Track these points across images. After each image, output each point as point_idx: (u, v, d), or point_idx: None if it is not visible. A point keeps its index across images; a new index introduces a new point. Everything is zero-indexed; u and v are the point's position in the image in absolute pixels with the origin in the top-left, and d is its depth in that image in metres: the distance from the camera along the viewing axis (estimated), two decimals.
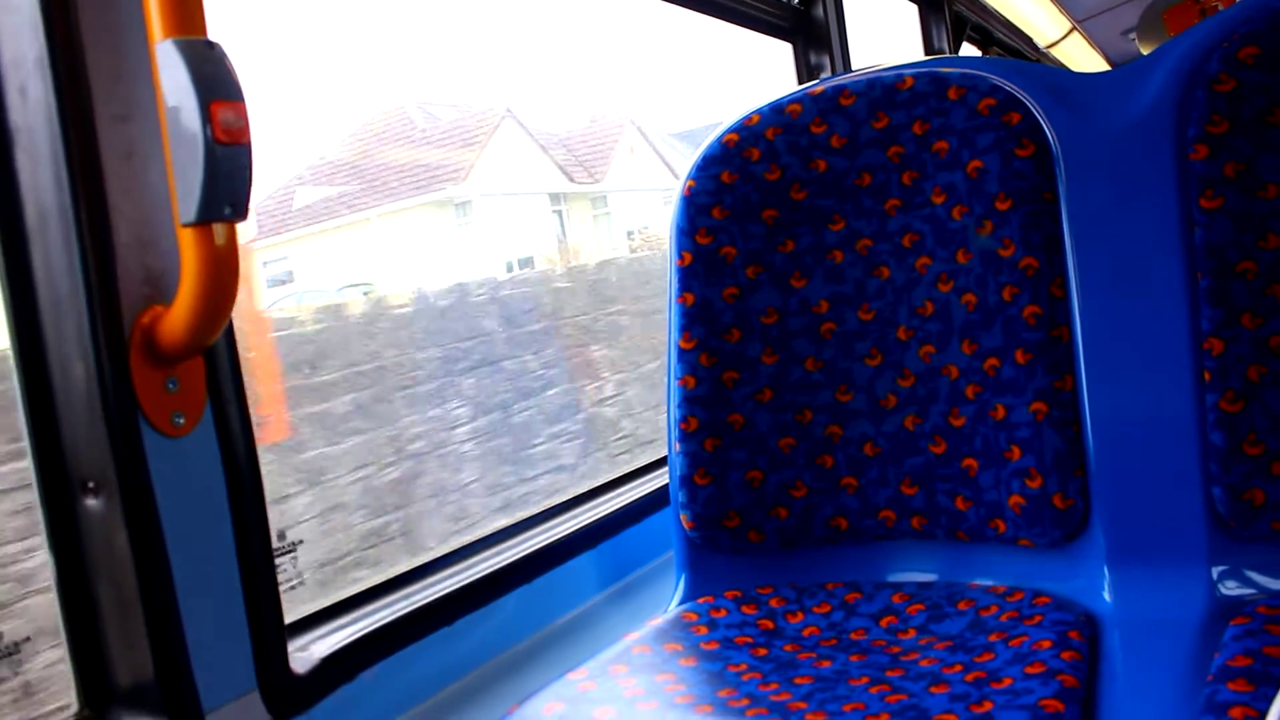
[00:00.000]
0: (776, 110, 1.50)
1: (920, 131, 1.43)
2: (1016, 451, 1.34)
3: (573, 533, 1.67)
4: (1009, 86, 1.40)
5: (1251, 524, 1.24)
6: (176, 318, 1.01)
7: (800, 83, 2.88)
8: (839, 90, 1.48)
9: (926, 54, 4.15)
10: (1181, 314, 1.29)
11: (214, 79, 0.93)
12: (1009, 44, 5.41)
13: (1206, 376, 1.26)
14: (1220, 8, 5.03)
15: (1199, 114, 1.29)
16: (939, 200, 1.42)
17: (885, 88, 1.46)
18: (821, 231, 1.49)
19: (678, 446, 1.47)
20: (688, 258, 1.48)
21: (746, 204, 1.48)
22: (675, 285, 1.49)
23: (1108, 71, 1.45)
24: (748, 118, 1.51)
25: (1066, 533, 1.33)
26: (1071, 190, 1.36)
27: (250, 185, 0.96)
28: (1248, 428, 1.24)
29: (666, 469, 1.52)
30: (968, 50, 4.87)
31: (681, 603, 1.45)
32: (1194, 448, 1.28)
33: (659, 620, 1.37)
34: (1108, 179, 1.35)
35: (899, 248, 1.45)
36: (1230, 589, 1.25)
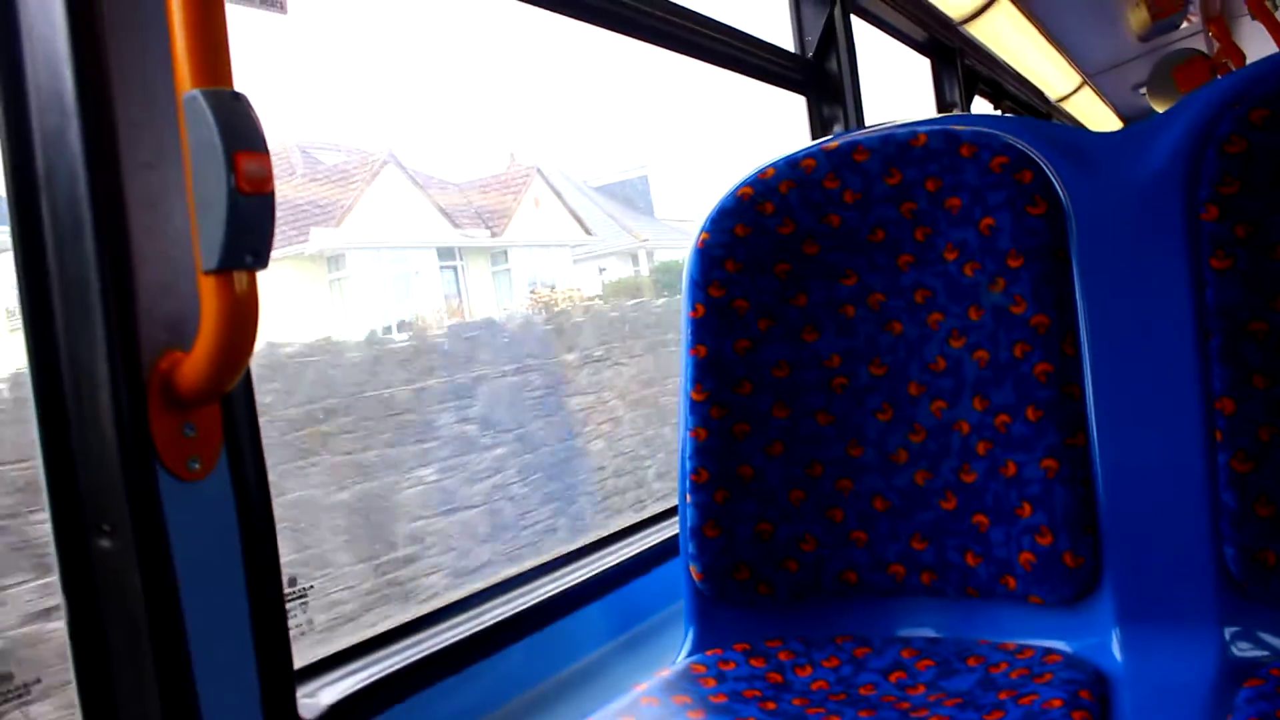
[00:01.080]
0: (791, 165, 1.51)
1: (933, 188, 1.44)
2: (1028, 508, 1.34)
3: (581, 582, 1.67)
4: (1021, 145, 1.41)
5: (1264, 585, 1.24)
6: (196, 363, 1.02)
7: (813, 136, 2.91)
8: (853, 146, 1.50)
9: (939, 107, 4.19)
10: (1193, 373, 1.30)
11: (239, 130, 0.95)
12: (1021, 99, 5.46)
13: (1218, 436, 1.27)
14: (1231, 66, 5.08)
15: (1210, 175, 1.30)
16: (951, 257, 1.43)
17: (899, 144, 1.47)
18: (834, 286, 1.50)
19: (689, 498, 1.47)
20: (700, 310, 1.49)
21: (759, 257, 1.49)
22: (688, 337, 1.50)
23: (1119, 130, 1.46)
24: (762, 171, 1.52)
25: (1077, 591, 1.33)
26: (1083, 248, 1.37)
27: (272, 234, 0.98)
28: (1259, 488, 1.24)
29: (676, 519, 1.52)
30: (979, 104, 4.91)
31: (690, 655, 1.44)
32: (1205, 507, 1.28)
33: (667, 672, 1.36)
34: (1119, 237, 1.36)
35: (911, 303, 1.46)
36: (1243, 650, 1.25)
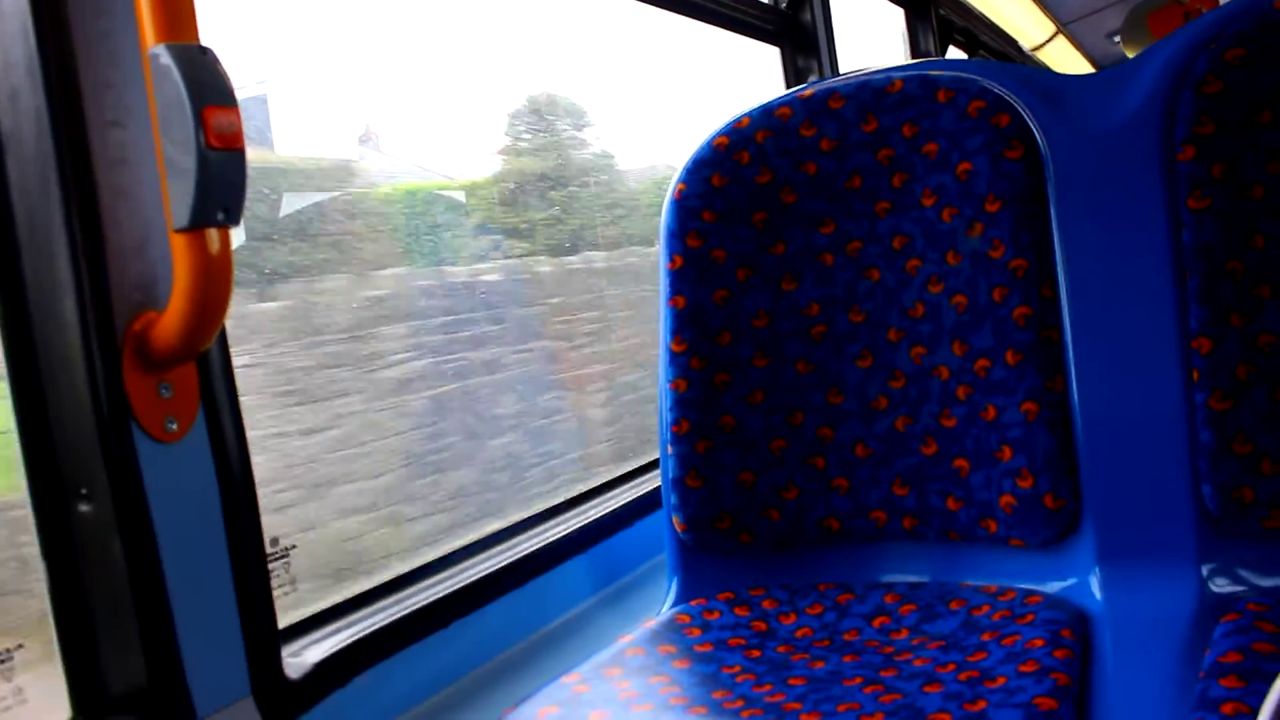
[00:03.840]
0: (766, 113, 1.50)
1: (910, 134, 1.44)
2: (1008, 452, 1.35)
3: (564, 536, 1.67)
4: (998, 89, 1.40)
5: (1241, 521, 1.25)
6: (169, 323, 1.00)
7: (788, 87, 2.89)
8: (829, 93, 1.49)
9: (913, 58, 4.17)
10: (1170, 314, 1.30)
11: (207, 84, 0.93)
12: (995, 47, 5.44)
13: (1195, 375, 1.27)
14: (1204, 10, 5.07)
15: (1186, 115, 1.30)
16: (929, 202, 1.43)
17: (874, 91, 1.46)
18: (812, 234, 1.49)
19: (670, 449, 1.47)
20: (678, 261, 1.49)
21: (737, 207, 1.49)
22: (666, 288, 1.49)
23: (1096, 73, 1.45)
24: (738, 120, 1.51)
25: (1058, 532, 1.34)
26: (1060, 192, 1.37)
27: (244, 191, 0.97)
28: (1236, 426, 1.25)
29: (658, 472, 1.52)
30: (954, 54, 4.89)
31: (674, 605, 1.45)
32: (1184, 446, 1.28)
33: (652, 623, 1.37)
34: (1096, 180, 1.36)
35: (889, 250, 1.46)
36: (1220, 586, 1.26)
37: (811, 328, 1.48)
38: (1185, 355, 1.28)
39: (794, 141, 1.48)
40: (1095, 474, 1.33)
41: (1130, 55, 5.49)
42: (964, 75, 1.43)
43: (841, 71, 2.95)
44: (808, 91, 1.50)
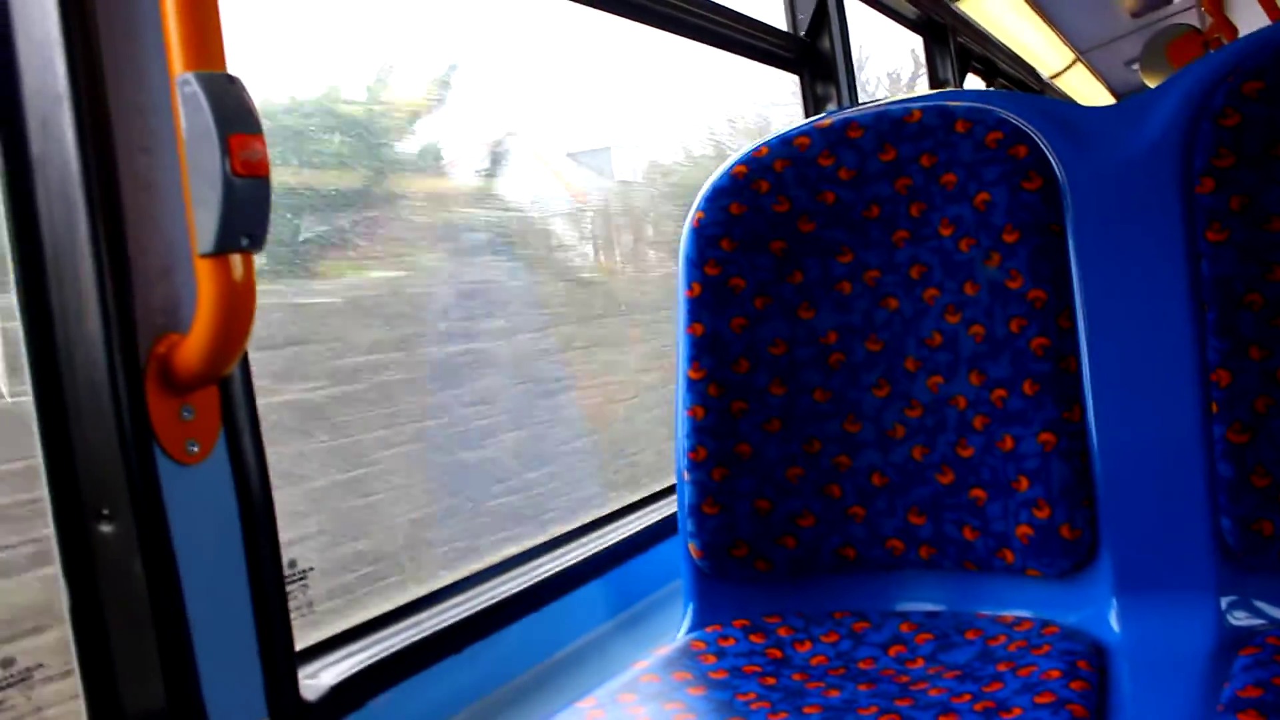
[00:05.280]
0: (785, 142, 1.51)
1: (928, 164, 1.44)
2: (1024, 482, 1.35)
3: (580, 561, 1.67)
4: (1016, 120, 1.41)
5: (1260, 554, 1.25)
6: (193, 347, 1.01)
7: (807, 114, 2.90)
8: (847, 123, 1.49)
9: (932, 85, 4.18)
10: (1188, 345, 1.30)
11: (233, 112, 0.95)
12: (1013, 75, 5.45)
13: (1214, 408, 1.27)
14: (1224, 41, 5.07)
15: (1205, 147, 1.30)
16: (947, 232, 1.44)
17: (893, 121, 1.47)
18: (830, 263, 1.50)
19: (686, 476, 1.47)
20: (697, 288, 1.49)
21: (755, 235, 1.49)
22: (684, 316, 1.50)
23: (1114, 105, 1.46)
24: (756, 149, 1.52)
25: (1074, 563, 1.33)
26: (1079, 223, 1.37)
27: (267, 217, 0.98)
28: (1255, 459, 1.25)
29: (674, 497, 1.52)
30: (972, 82, 4.90)
31: (689, 631, 1.45)
32: (1202, 479, 1.28)
33: (667, 649, 1.37)
34: (1114, 212, 1.36)
35: (907, 279, 1.46)
36: (1239, 619, 1.26)
37: (829, 356, 1.48)
38: (1204, 387, 1.28)
39: (812, 171, 1.49)
40: (1112, 505, 1.33)
41: (1149, 84, 5.51)
42: (982, 106, 1.44)
43: (860, 99, 2.97)
44: (826, 121, 1.51)
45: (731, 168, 1.52)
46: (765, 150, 1.52)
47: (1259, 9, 4.46)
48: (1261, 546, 1.24)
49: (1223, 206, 1.29)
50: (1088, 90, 6.84)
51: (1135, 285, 1.34)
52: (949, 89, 1.48)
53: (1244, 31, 5.15)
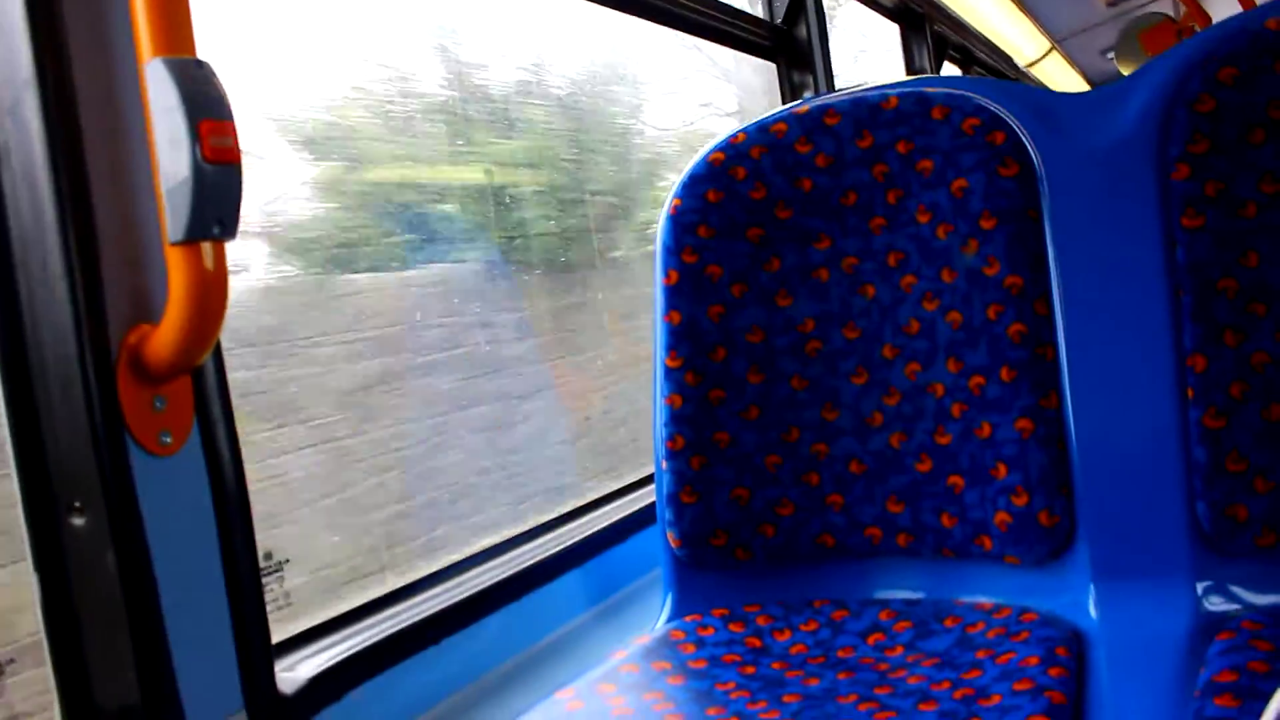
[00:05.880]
0: (762, 129, 1.51)
1: (905, 151, 1.44)
2: (1002, 469, 1.35)
3: (559, 551, 1.67)
4: (993, 106, 1.41)
5: (1235, 539, 1.25)
6: (164, 336, 1.00)
7: (784, 102, 2.90)
8: (824, 110, 1.49)
9: (908, 73, 4.18)
10: (1165, 331, 1.30)
11: (203, 98, 0.93)
12: (989, 63, 5.46)
13: (1190, 393, 1.27)
14: (1196, 29, 5.09)
15: (1180, 134, 1.30)
16: (924, 219, 1.43)
17: (870, 107, 1.47)
18: (807, 250, 1.49)
19: (664, 465, 1.47)
20: (674, 276, 1.49)
21: (732, 223, 1.49)
22: (661, 304, 1.49)
23: (1090, 91, 1.46)
24: (734, 136, 1.52)
25: (1052, 549, 1.34)
26: (1055, 209, 1.37)
27: (239, 204, 0.96)
28: (1230, 444, 1.25)
29: (652, 487, 1.52)
30: (949, 70, 4.90)
31: (669, 621, 1.45)
32: (1178, 464, 1.29)
33: (646, 639, 1.37)
34: (1091, 198, 1.36)
35: (884, 266, 1.46)
36: (1215, 604, 1.26)
37: (806, 344, 1.48)
38: (1180, 373, 1.29)
39: (790, 158, 1.48)
40: (1090, 491, 1.33)
41: (1124, 72, 5.53)
42: (959, 92, 1.43)
43: (837, 87, 2.96)
44: (803, 108, 1.51)
45: (709, 154, 1.52)
46: (743, 137, 1.51)
47: None
48: (1236, 531, 1.25)
49: (1198, 192, 1.29)
50: (1064, 78, 6.87)
51: (1112, 271, 1.34)
52: (926, 75, 1.47)
53: (1216, 17, 5.17)
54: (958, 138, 1.41)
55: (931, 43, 4.30)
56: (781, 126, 1.50)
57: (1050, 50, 6.00)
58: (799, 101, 1.54)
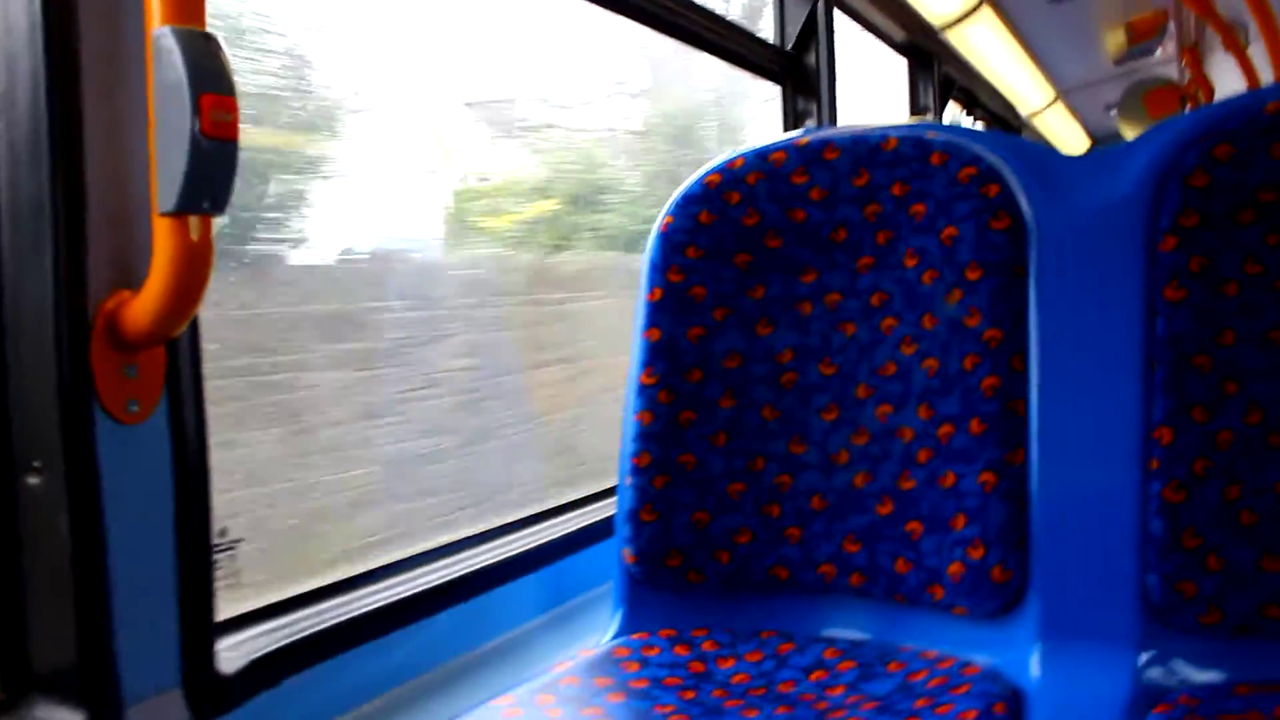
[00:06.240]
0: (760, 156, 1.51)
1: (899, 193, 1.45)
2: (962, 520, 1.35)
3: (514, 555, 1.66)
4: (990, 158, 1.42)
5: (1181, 614, 1.26)
6: (143, 305, 1.00)
7: (786, 127, 2.91)
8: (824, 143, 1.49)
9: (912, 110, 4.21)
10: (1136, 400, 1.31)
11: (207, 71, 0.93)
12: (992, 108, 5.49)
13: (1154, 465, 1.28)
14: (1201, 97, 5.14)
15: (1171, 206, 1.31)
16: (911, 263, 1.44)
17: (870, 146, 1.47)
18: (792, 281, 1.50)
19: (628, 480, 1.47)
20: (658, 293, 1.49)
21: (721, 246, 1.49)
22: (643, 320, 1.50)
23: (1088, 154, 1.47)
24: (731, 160, 1.52)
25: (1002, 605, 1.34)
26: (1042, 267, 1.38)
27: (232, 182, 0.96)
28: (1188, 519, 1.26)
29: (613, 499, 1.52)
30: (953, 111, 4.93)
31: (616, 636, 1.45)
32: (1135, 533, 1.29)
33: (592, 652, 1.37)
34: (1078, 260, 1.37)
35: (867, 306, 1.47)
36: (1155, 677, 1.27)
37: (782, 375, 1.48)
38: (1146, 443, 1.30)
39: (785, 187, 1.49)
40: (1045, 551, 1.34)
41: (1124, 131, 5.56)
42: (958, 141, 1.44)
43: (841, 116, 2.98)
44: (804, 139, 1.51)
45: (704, 176, 1.52)
46: (740, 162, 1.51)
47: (1236, 69, 4.52)
48: (1183, 606, 1.25)
49: (1183, 265, 1.30)
50: (1065, 130, 6.92)
51: (1090, 335, 1.35)
52: (928, 121, 1.47)
53: (1220, 90, 5.23)
54: (952, 186, 1.41)
55: (938, 82, 4.33)
56: (780, 155, 1.50)
57: (1055, 101, 6.05)
58: (801, 132, 1.55)
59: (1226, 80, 4.99)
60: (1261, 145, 1.30)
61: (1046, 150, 1.48)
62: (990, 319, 1.37)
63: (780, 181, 1.49)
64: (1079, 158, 1.45)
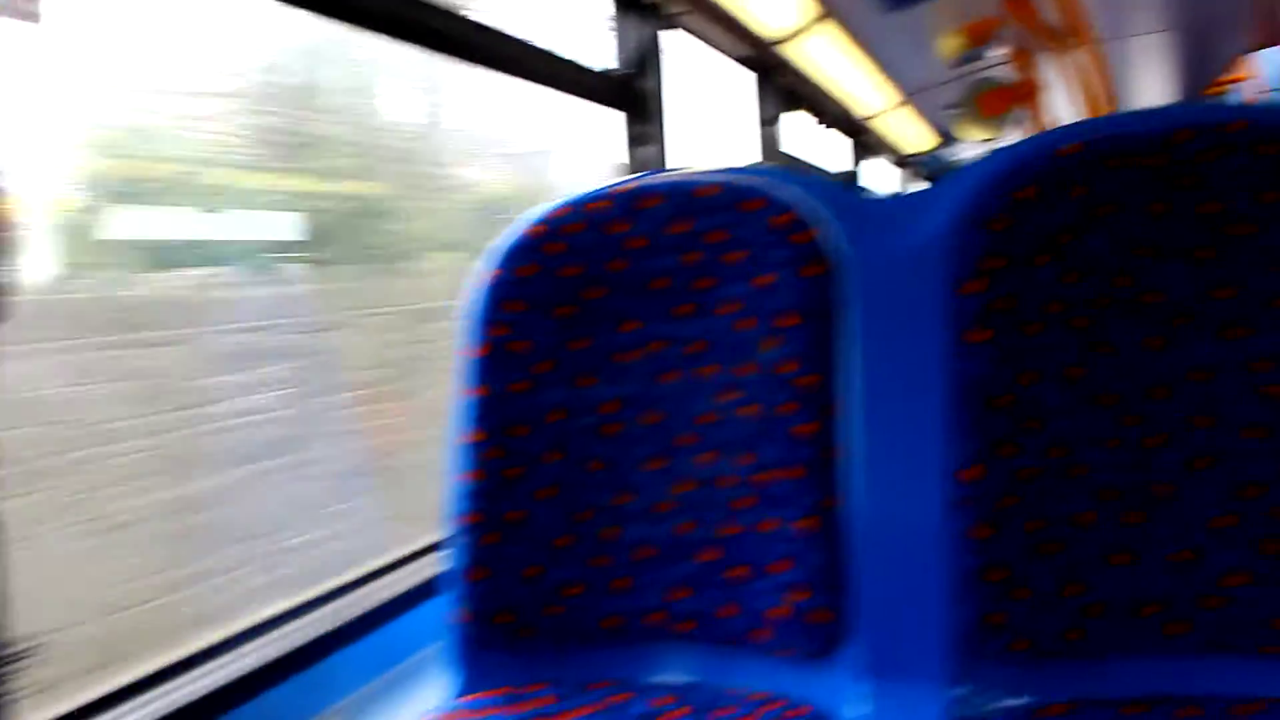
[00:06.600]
0: (582, 205, 1.51)
1: (716, 240, 1.46)
2: (783, 565, 1.38)
3: (344, 622, 1.64)
4: (804, 204, 1.44)
5: (992, 644, 1.31)
6: None
7: (628, 152, 2.92)
8: (644, 191, 1.50)
9: (761, 123, 4.26)
10: (944, 441, 1.35)
11: None
12: (840, 114, 5.60)
13: (962, 503, 1.32)
14: (1031, 98, 5.31)
15: (975, 248, 1.35)
16: (729, 310, 1.46)
17: (688, 193, 1.48)
18: (614, 332, 1.50)
19: (456, 540, 1.46)
20: (480, 349, 1.48)
21: (543, 298, 1.49)
22: (466, 376, 1.49)
23: (898, 196, 1.51)
24: (553, 210, 1.52)
25: (825, 646, 1.37)
26: (853, 313, 1.41)
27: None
28: (995, 554, 1.30)
29: (441, 554, 1.51)
30: (802, 118, 5.01)
31: (452, 698, 1.44)
32: (946, 570, 1.34)
33: (428, 718, 1.35)
34: (888, 304, 1.41)
35: (687, 354, 1.48)
36: (974, 708, 1.31)
37: (606, 426, 1.49)
38: (954, 483, 1.34)
39: (606, 237, 1.49)
40: (864, 592, 1.37)
41: (957, 132, 5.71)
42: (772, 187, 1.46)
43: (677, 138, 3.00)
44: (625, 187, 1.52)
45: (528, 227, 1.51)
46: (562, 211, 1.52)
47: (1065, 69, 4.68)
48: (994, 637, 1.30)
49: (985, 308, 1.34)
50: (913, 130, 7.09)
51: (901, 378, 1.39)
52: (746, 166, 1.49)
53: (1051, 95, 5.42)
54: (767, 233, 1.44)
55: (784, 92, 4.39)
56: (601, 204, 1.51)
57: (901, 103, 6.19)
58: (621, 180, 1.55)
59: (1054, 83, 5.17)
60: (1059, 188, 1.35)
61: (859, 195, 1.51)
62: (805, 366, 1.40)
63: (602, 231, 1.50)
64: (890, 200, 1.49)
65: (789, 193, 1.45)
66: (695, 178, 1.50)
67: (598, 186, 1.54)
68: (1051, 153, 1.36)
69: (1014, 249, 1.35)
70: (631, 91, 2.90)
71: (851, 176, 6.66)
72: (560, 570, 1.46)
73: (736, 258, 1.45)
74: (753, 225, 1.45)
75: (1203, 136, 1.33)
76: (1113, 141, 1.35)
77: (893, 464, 1.38)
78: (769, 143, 4.35)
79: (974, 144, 7.29)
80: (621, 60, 2.91)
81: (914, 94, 6.12)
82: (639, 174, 1.58)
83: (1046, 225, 1.35)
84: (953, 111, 5.56)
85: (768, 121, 4.39)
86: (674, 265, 1.48)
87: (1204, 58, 6.14)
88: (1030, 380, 1.33)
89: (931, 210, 1.41)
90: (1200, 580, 1.30)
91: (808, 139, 5.48)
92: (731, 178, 1.49)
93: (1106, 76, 4.32)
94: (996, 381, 1.33)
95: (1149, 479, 1.32)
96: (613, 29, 2.92)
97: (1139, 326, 1.34)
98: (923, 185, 9.00)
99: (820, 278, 1.41)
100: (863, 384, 1.40)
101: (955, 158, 8.71)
